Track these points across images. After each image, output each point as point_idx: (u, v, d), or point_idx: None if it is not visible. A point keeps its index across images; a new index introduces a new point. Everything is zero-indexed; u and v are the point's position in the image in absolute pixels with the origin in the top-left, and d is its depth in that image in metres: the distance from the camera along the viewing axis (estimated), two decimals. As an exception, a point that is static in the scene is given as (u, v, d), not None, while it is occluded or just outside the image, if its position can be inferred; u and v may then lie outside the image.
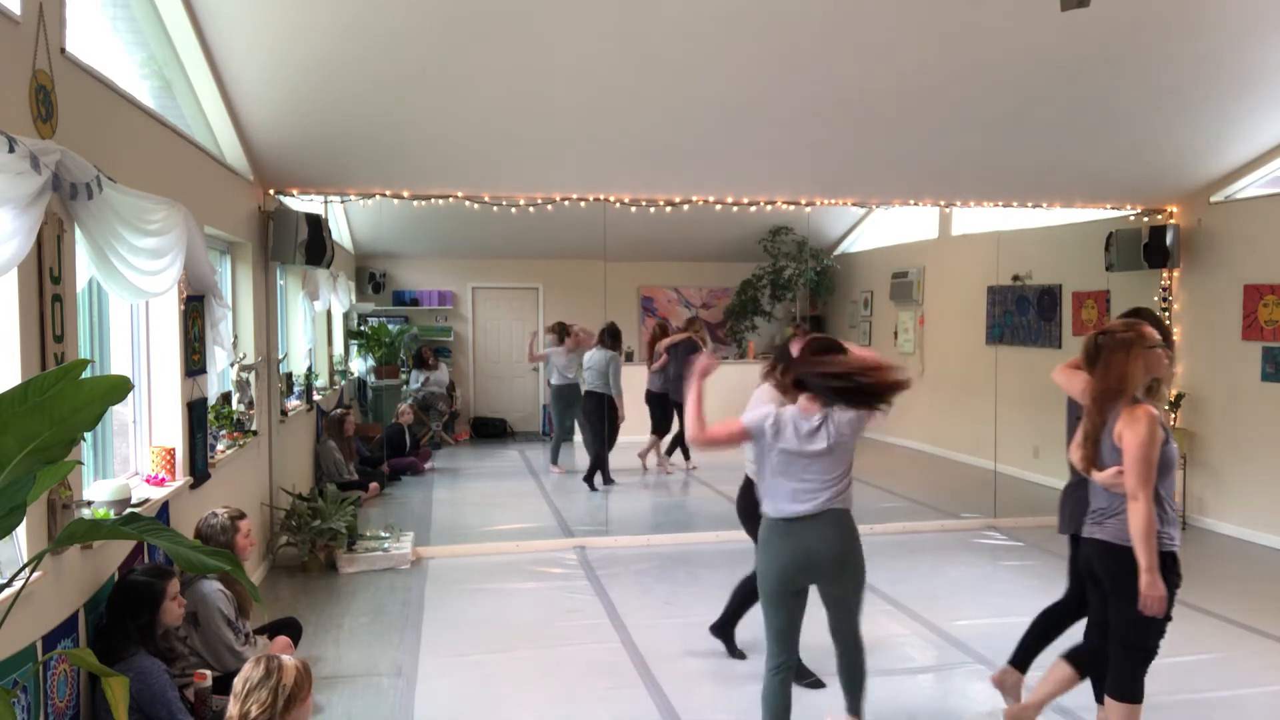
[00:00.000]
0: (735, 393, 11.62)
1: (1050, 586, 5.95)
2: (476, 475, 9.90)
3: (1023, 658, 3.98)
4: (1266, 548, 6.84)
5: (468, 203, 7.15)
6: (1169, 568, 3.28)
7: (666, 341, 9.55)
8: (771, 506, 3.47)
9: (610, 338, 9.16)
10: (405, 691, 4.35)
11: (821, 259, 12.45)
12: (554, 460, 9.89)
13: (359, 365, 11.42)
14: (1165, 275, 7.80)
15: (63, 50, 3.26)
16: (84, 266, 3.33)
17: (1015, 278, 9.38)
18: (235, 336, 5.73)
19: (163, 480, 4.35)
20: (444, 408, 11.59)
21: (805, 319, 12.82)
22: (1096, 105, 6.06)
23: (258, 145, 5.90)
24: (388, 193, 6.95)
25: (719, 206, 7.55)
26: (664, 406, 9.58)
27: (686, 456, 9.97)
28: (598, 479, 8.94)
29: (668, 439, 9.86)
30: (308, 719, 2.72)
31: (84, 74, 3.44)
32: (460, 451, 11.30)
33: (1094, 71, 5.64)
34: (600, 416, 8.97)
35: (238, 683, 2.65)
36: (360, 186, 6.87)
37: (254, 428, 5.97)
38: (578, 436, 10.14)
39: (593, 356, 9.14)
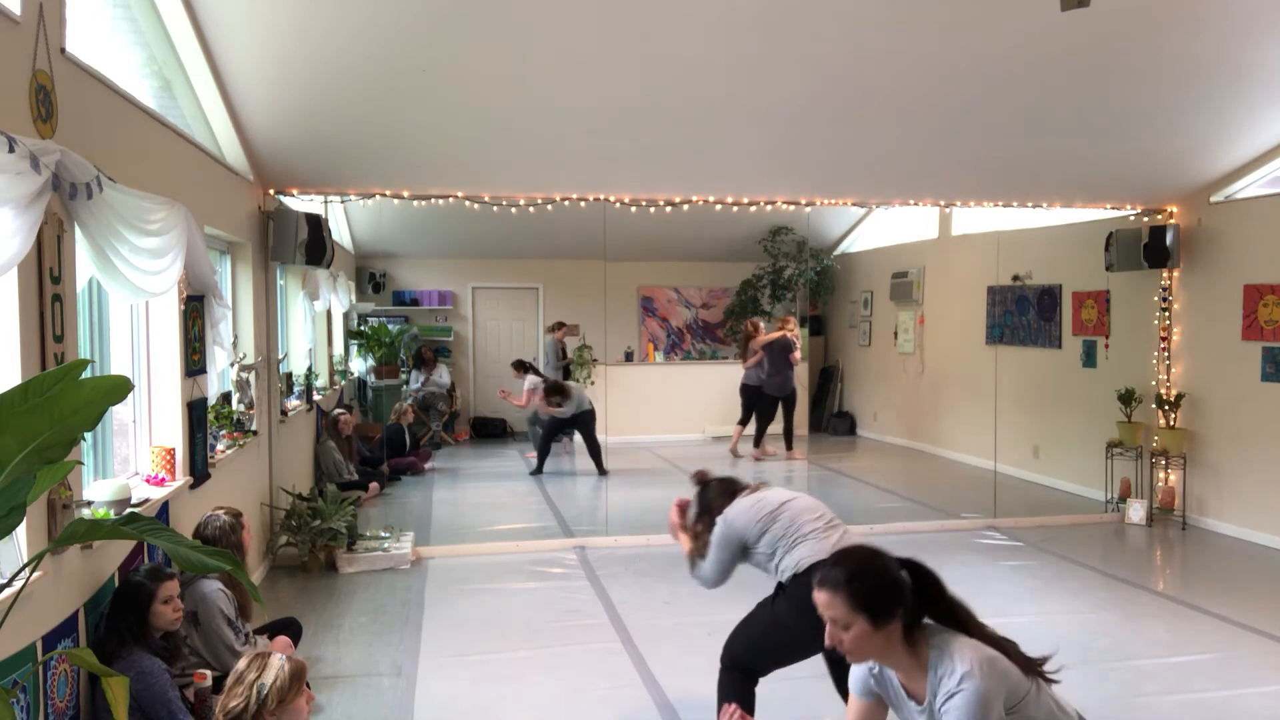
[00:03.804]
0: (737, 395, 11.67)
1: (1049, 587, 5.96)
2: (476, 475, 9.90)
3: None
4: (1266, 548, 6.84)
5: (468, 203, 7.15)
6: None
7: (763, 340, 10.50)
8: None
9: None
10: (405, 691, 4.35)
11: (821, 259, 12.45)
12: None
13: (359, 365, 11.41)
14: (1165, 275, 7.80)
15: (63, 50, 3.26)
16: (84, 266, 3.33)
17: (1015, 278, 9.38)
18: (235, 336, 5.72)
19: (163, 480, 4.35)
20: (444, 408, 11.58)
21: (806, 318, 12.86)
22: (1096, 105, 6.06)
23: (258, 145, 5.90)
24: (388, 193, 6.95)
25: (719, 206, 7.55)
26: (758, 398, 10.54)
27: (789, 446, 10.69)
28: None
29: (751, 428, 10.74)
30: (304, 718, 2.71)
31: (84, 74, 3.44)
32: (460, 451, 11.29)
33: (1094, 71, 5.64)
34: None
35: (229, 678, 2.66)
36: (360, 186, 6.87)
37: (254, 428, 5.97)
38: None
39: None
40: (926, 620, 2.19)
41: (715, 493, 3.67)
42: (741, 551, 3.53)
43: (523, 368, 10.68)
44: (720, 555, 3.55)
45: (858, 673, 2.41)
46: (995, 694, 2.10)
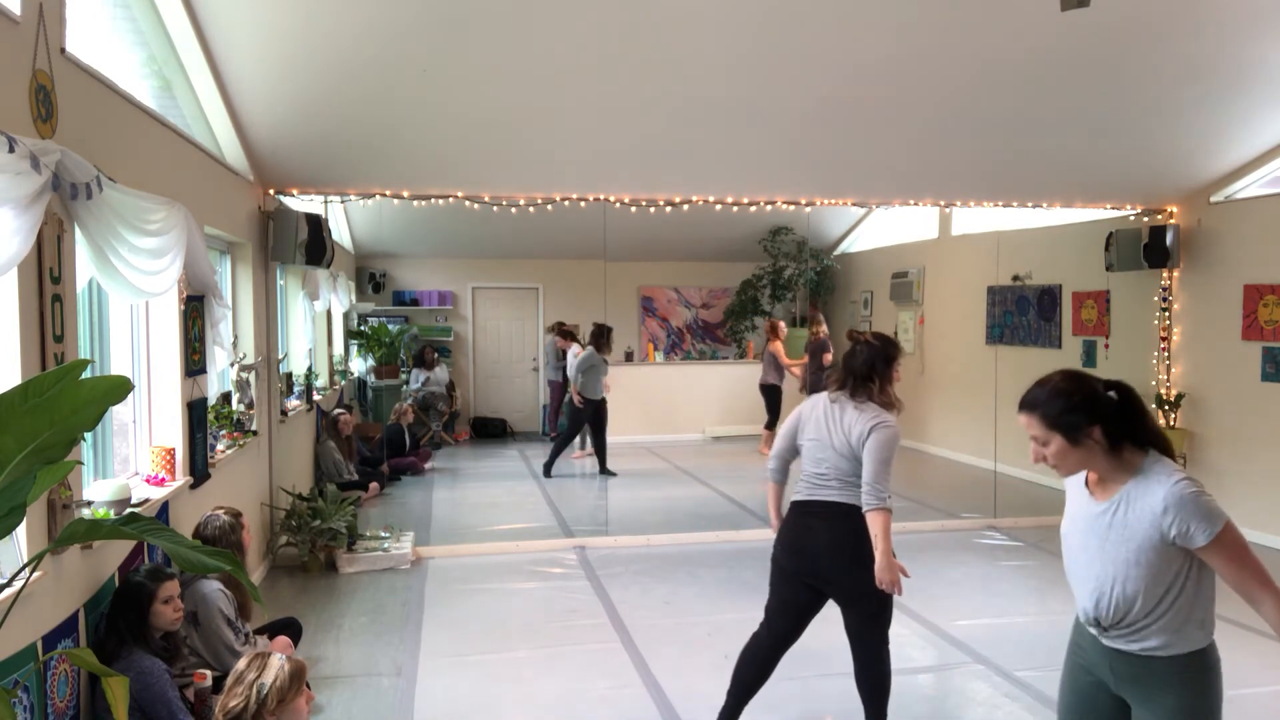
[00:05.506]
0: (737, 395, 11.70)
1: (1049, 587, 5.96)
2: (476, 475, 9.90)
3: None
4: (1267, 548, 6.83)
5: (468, 203, 7.15)
6: None
7: (798, 361, 10.70)
8: None
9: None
10: (405, 691, 4.35)
11: (821, 259, 12.45)
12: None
13: (359, 365, 11.42)
14: (1165, 275, 7.80)
15: (63, 50, 3.26)
16: (84, 266, 3.33)
17: (1015, 278, 9.38)
18: (235, 336, 5.73)
19: (163, 480, 4.35)
20: (444, 408, 11.59)
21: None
22: (1096, 105, 6.06)
23: (258, 145, 5.91)
24: (388, 193, 6.95)
25: (719, 206, 7.55)
26: (777, 397, 10.61)
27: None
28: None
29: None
30: (304, 718, 2.72)
31: (84, 74, 3.44)
32: (460, 451, 11.30)
33: (1094, 71, 5.65)
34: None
35: (229, 678, 2.67)
36: (360, 186, 6.87)
37: (254, 428, 5.97)
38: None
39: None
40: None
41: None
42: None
43: (570, 336, 10.45)
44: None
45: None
46: (1211, 499, 2.17)
